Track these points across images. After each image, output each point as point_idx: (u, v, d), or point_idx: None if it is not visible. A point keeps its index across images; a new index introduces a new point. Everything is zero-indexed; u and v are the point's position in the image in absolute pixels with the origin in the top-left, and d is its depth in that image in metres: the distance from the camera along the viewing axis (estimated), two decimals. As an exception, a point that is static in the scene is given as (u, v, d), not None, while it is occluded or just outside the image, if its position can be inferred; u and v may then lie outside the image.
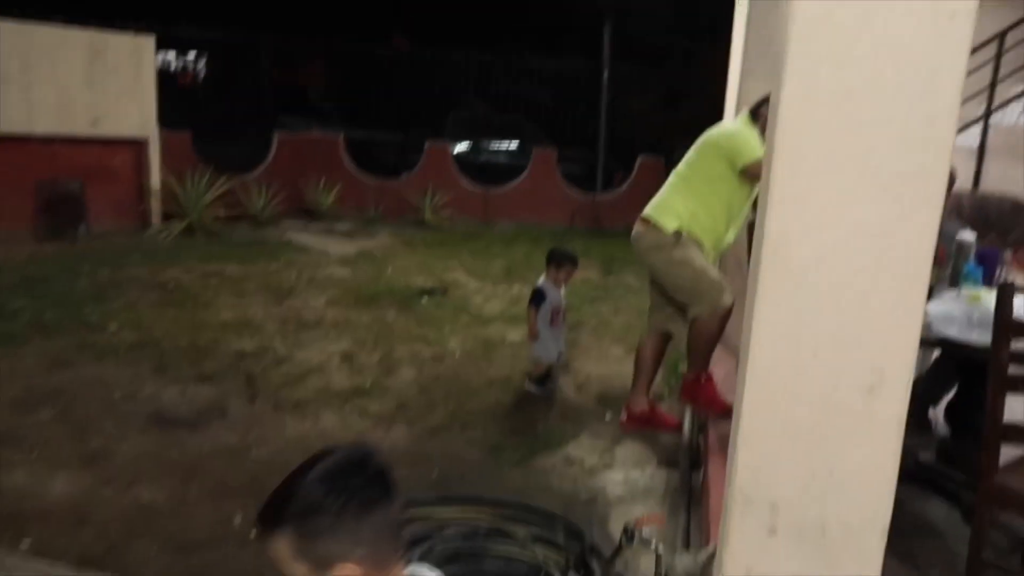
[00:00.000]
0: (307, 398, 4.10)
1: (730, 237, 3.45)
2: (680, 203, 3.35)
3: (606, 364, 4.83)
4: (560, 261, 4.20)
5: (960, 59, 1.38)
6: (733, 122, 3.48)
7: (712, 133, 3.42)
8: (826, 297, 1.52)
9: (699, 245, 3.32)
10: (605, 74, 10.54)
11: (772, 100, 1.51)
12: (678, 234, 3.31)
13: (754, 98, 3.54)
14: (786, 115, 1.46)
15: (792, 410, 1.58)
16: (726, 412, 3.33)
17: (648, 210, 3.46)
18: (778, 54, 1.50)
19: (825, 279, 1.51)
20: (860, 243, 1.48)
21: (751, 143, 3.25)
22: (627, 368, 4.74)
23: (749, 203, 3.39)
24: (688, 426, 3.73)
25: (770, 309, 1.54)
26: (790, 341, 1.55)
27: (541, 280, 4.23)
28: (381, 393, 4.21)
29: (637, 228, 3.49)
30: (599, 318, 5.93)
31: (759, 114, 3.31)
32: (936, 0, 1.36)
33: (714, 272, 3.32)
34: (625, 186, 10.40)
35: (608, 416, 3.98)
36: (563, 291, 4.25)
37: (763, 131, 3.31)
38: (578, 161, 11.27)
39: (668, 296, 3.49)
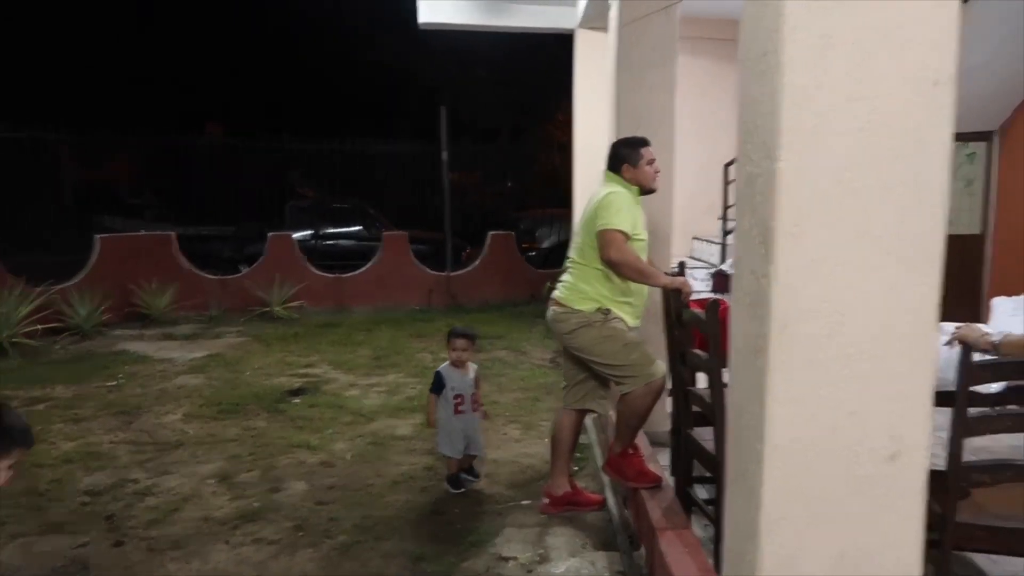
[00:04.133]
0: (186, 533, 3.59)
1: (645, 298, 3.43)
2: (589, 288, 3.30)
3: (507, 447, 4.67)
4: (449, 337, 4.00)
5: (946, 124, 1.41)
6: (604, 188, 3.40)
7: (588, 211, 3.36)
8: (840, 369, 1.48)
9: (622, 321, 3.30)
10: (444, 155, 10.61)
11: (764, 176, 1.48)
12: (605, 311, 3.27)
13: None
14: (784, 190, 1.43)
15: (816, 489, 1.51)
16: (656, 484, 3.28)
17: (561, 294, 3.39)
18: (763, 127, 1.48)
19: (837, 351, 1.47)
20: (868, 311, 1.46)
21: (613, 208, 3.21)
22: (528, 448, 4.64)
23: (646, 253, 3.40)
24: (613, 502, 3.63)
25: (784, 387, 1.48)
26: (807, 418, 1.49)
27: (444, 364, 4.02)
28: (273, 514, 3.78)
29: (556, 309, 3.41)
30: (485, 398, 5.76)
31: (622, 165, 3.34)
32: (919, 70, 1.39)
33: (644, 346, 3.29)
34: (479, 262, 10.42)
35: (526, 502, 3.80)
36: (471, 373, 4.04)
37: (638, 167, 3.35)
38: (425, 241, 11.22)
39: (591, 371, 3.41)
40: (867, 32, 1.39)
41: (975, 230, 7.24)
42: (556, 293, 3.43)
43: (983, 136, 7.17)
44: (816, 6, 1.37)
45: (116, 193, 15.05)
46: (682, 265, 4.39)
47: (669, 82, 4.06)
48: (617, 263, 3.19)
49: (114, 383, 6.35)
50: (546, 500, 3.63)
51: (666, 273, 3.73)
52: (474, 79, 18.73)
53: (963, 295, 7.06)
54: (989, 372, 2.11)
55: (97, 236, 9.26)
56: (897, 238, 1.43)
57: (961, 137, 7.12)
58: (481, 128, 18.53)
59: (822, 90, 1.41)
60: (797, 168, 1.42)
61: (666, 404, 3.88)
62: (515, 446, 4.67)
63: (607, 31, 4.58)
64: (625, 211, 3.22)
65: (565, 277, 3.43)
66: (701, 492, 3.32)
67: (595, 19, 6.53)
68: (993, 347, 2.16)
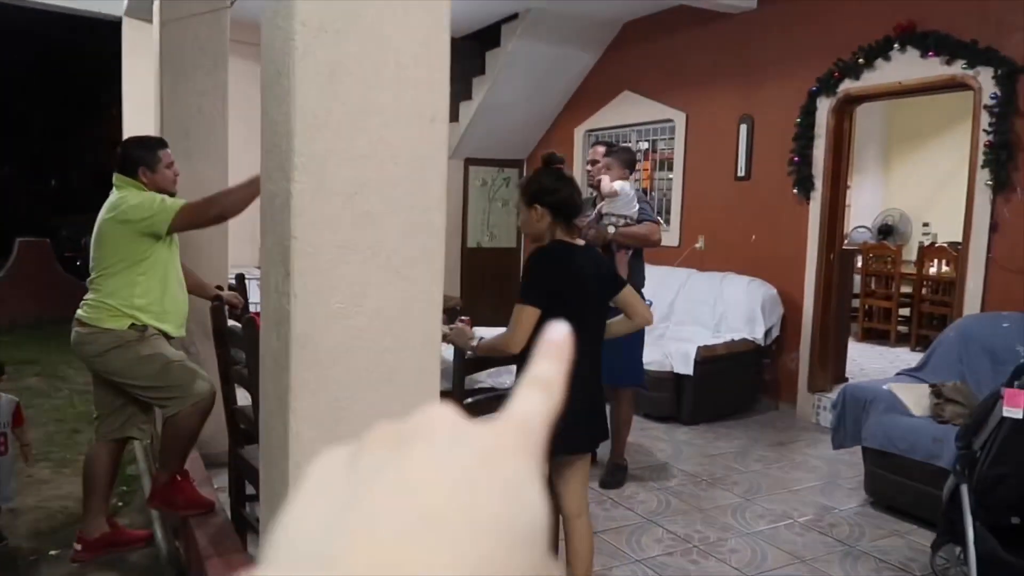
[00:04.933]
0: None
1: (184, 303, 3.21)
2: (119, 302, 2.98)
3: (32, 490, 3.98)
4: None
5: (441, 155, 1.59)
6: (120, 195, 3.06)
7: (110, 218, 3.02)
8: (358, 380, 1.57)
9: (163, 334, 3.04)
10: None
11: (281, 196, 1.50)
12: (141, 328, 2.96)
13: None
14: (299, 210, 1.47)
15: (339, 498, 1.58)
16: (208, 509, 3.12)
17: (86, 314, 3.00)
18: (280, 148, 1.50)
19: (355, 364, 1.56)
20: (382, 325, 1.57)
21: (156, 202, 2.97)
22: (60, 489, 4.05)
23: (177, 253, 3.20)
24: (161, 534, 3.35)
25: (305, 403, 1.52)
26: (328, 430, 1.55)
27: None
28: None
29: (80, 331, 3.00)
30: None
31: (138, 168, 3.07)
32: (418, 107, 1.55)
33: (187, 362, 3.06)
34: (3, 273, 8.78)
35: (55, 552, 3.30)
36: (4, 408, 3.33)
37: (156, 171, 3.11)
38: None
39: (128, 396, 3.08)
40: (371, 67, 1.50)
41: (512, 244, 8.38)
42: (80, 313, 3.04)
43: (516, 163, 8.35)
44: (322, 37, 1.44)
45: None
46: (240, 277, 4.28)
47: (220, 88, 3.90)
48: (213, 216, 2.98)
49: None
50: (79, 547, 3.19)
51: (218, 287, 3.59)
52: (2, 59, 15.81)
53: (504, 298, 8.12)
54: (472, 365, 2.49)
55: None
56: (403, 257, 1.57)
57: (499, 163, 8.20)
58: (13, 118, 15.79)
59: (333, 117, 1.48)
60: (311, 189, 1.47)
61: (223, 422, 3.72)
62: (43, 488, 4.03)
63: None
64: (167, 202, 2.98)
65: (89, 296, 3.06)
66: (259, 511, 3.25)
67: (142, 9, 6.00)
68: (472, 349, 2.56)
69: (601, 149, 4.00)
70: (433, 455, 0.24)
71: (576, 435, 2.48)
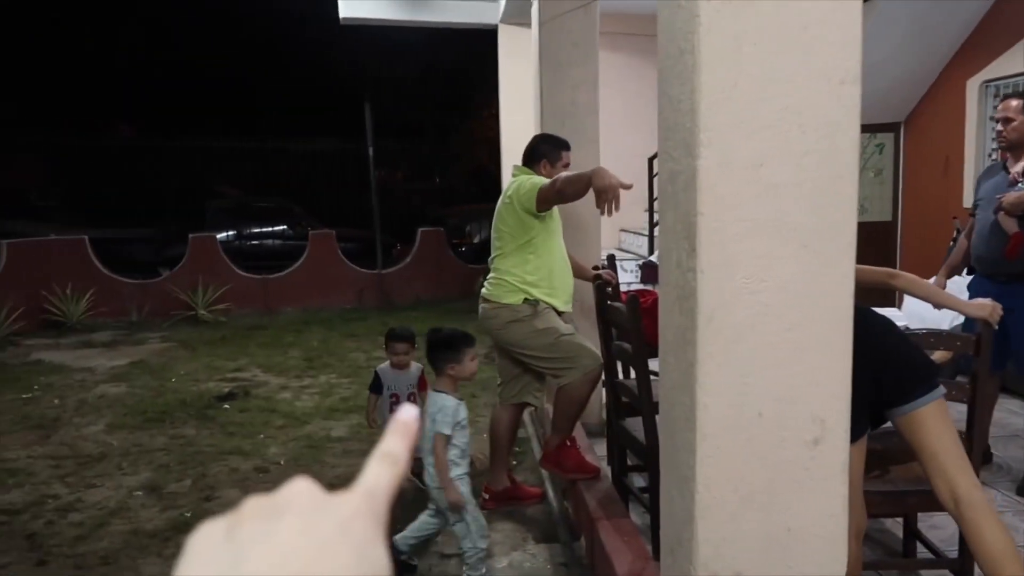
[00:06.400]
0: (115, 548, 3.48)
1: (570, 280, 3.47)
2: (514, 278, 3.32)
3: (444, 444, 4.65)
4: (387, 340, 3.97)
5: (854, 121, 1.48)
6: (512, 180, 3.43)
7: (503, 203, 3.39)
8: (763, 357, 1.54)
9: (553, 309, 3.33)
10: (371, 151, 10.47)
11: (685, 173, 1.52)
12: (533, 304, 3.29)
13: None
14: (705, 185, 1.48)
15: (745, 474, 1.57)
16: (594, 475, 3.33)
17: (488, 290, 3.41)
18: (683, 125, 1.53)
19: (760, 340, 1.53)
20: (788, 301, 1.52)
21: (527, 182, 3.25)
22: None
23: (560, 235, 3.45)
24: (552, 494, 3.68)
25: (712, 377, 1.53)
26: (735, 406, 1.55)
27: (383, 364, 3.98)
28: (206, 524, 3.68)
29: (484, 307, 3.43)
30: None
31: (541, 160, 3.37)
32: (826, 69, 1.46)
33: (577, 336, 3.32)
34: (410, 258, 10.34)
35: (465, 500, 3.81)
36: (412, 373, 3.98)
37: (555, 167, 3.39)
38: (353, 239, 11.07)
39: (525, 366, 3.43)
40: (776, 33, 1.44)
41: (886, 217, 7.59)
42: (483, 290, 3.45)
43: (891, 128, 7.51)
44: (727, 8, 1.42)
45: (23, 196, 14.33)
46: (611, 258, 4.48)
47: (592, 79, 4.11)
48: (558, 191, 3.13)
49: (29, 395, 6.08)
50: (486, 496, 3.64)
51: (594, 267, 3.81)
52: (397, 75, 18.53)
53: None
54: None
55: (3, 242, 8.83)
56: (811, 229, 1.50)
57: (870, 129, 7.45)
58: (406, 125, 18.40)
59: (737, 89, 1.45)
60: (716, 164, 1.47)
61: (601, 395, 3.94)
62: (452, 443, 4.67)
63: (530, 27, 4.61)
64: (537, 180, 3.26)
65: (490, 275, 3.46)
66: (637, 480, 3.40)
67: (517, 15, 6.56)
68: None
69: (1016, 103, 3.37)
70: (298, 526, 0.31)
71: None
